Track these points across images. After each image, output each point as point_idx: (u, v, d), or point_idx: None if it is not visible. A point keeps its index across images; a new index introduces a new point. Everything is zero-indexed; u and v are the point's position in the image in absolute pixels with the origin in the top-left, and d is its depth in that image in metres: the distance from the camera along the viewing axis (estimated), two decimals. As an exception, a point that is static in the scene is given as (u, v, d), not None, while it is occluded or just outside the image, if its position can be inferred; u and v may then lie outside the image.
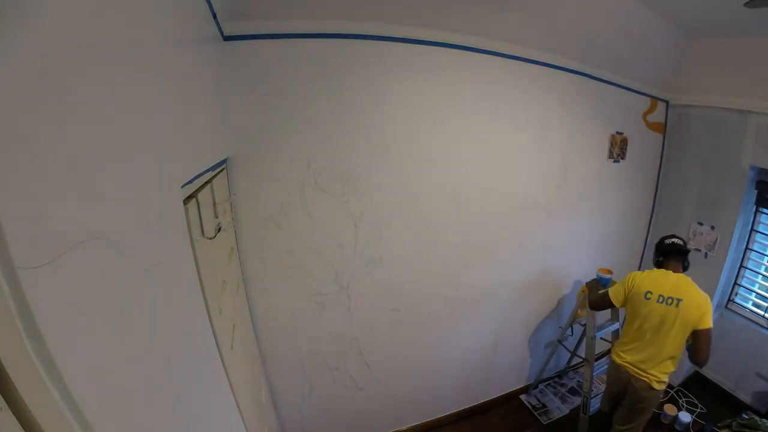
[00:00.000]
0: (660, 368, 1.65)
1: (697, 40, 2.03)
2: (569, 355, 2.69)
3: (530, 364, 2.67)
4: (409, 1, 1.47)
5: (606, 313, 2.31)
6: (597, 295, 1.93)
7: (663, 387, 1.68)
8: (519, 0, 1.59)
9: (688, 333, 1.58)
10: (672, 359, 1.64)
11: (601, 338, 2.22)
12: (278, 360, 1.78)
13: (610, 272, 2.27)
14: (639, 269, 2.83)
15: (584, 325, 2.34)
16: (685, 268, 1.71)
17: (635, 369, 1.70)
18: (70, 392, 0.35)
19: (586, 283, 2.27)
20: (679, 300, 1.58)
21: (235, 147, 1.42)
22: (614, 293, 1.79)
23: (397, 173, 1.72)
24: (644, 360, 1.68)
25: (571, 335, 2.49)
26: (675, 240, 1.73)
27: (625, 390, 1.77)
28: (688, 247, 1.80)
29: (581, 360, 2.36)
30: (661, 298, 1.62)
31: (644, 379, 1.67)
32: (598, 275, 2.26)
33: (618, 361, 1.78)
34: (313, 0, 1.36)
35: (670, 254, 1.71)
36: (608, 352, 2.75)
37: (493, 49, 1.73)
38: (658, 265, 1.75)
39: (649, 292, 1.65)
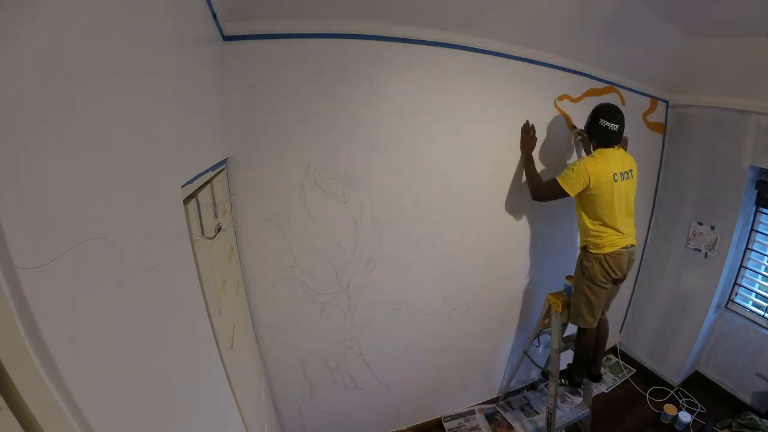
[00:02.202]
0: (632, 236, 1.82)
1: (697, 40, 2.03)
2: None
3: (530, 365, 2.66)
4: (409, 1, 1.47)
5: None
6: (539, 182, 1.80)
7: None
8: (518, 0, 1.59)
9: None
10: (632, 222, 1.83)
11: (573, 350, 2.11)
12: (278, 360, 1.78)
13: None
14: (638, 273, 2.84)
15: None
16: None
17: (628, 245, 1.79)
18: (70, 392, 0.35)
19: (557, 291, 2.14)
20: (630, 171, 1.75)
21: (235, 147, 1.42)
22: (569, 183, 1.69)
23: (397, 173, 1.72)
24: (627, 232, 1.79)
25: (538, 347, 2.39)
26: (612, 126, 1.67)
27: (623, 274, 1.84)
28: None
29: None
30: (624, 176, 1.71)
31: (632, 246, 1.81)
32: (565, 285, 2.13)
33: (617, 247, 1.76)
34: (313, 0, 1.36)
35: (614, 143, 1.72)
36: None
37: (492, 48, 1.73)
38: (604, 144, 1.71)
39: (615, 174, 1.68)
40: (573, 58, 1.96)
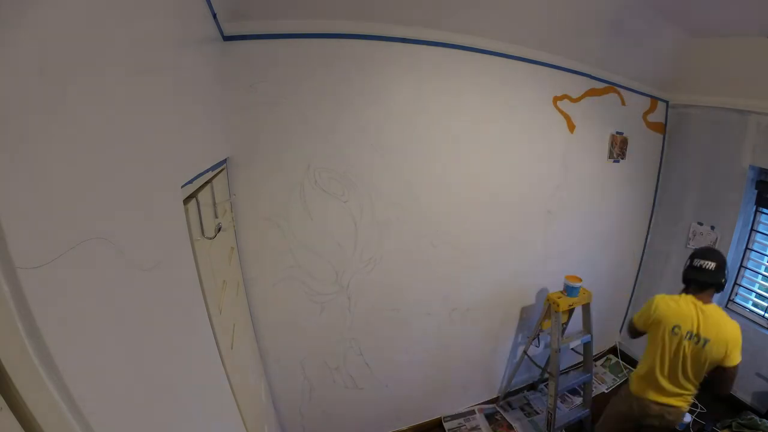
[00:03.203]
0: (679, 399, 1.57)
1: (697, 40, 2.03)
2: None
3: (530, 365, 2.67)
4: (409, 2, 1.47)
5: (577, 323, 2.27)
6: (629, 323, 1.73)
7: (687, 407, 1.62)
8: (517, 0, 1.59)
9: (710, 368, 1.47)
10: (690, 389, 1.55)
11: (572, 349, 2.14)
12: (278, 360, 1.78)
13: (578, 279, 2.14)
14: (637, 273, 2.84)
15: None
16: (719, 289, 1.51)
17: (655, 402, 1.59)
18: (70, 392, 0.35)
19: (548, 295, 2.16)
20: (706, 340, 1.43)
21: (235, 147, 1.42)
22: (638, 319, 1.64)
23: (396, 173, 1.72)
24: (669, 392, 1.56)
25: (538, 347, 2.41)
26: (705, 264, 1.47)
27: (639, 427, 1.65)
28: (725, 273, 1.51)
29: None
30: (689, 335, 1.47)
31: (666, 407, 1.57)
32: (565, 283, 2.15)
33: (634, 391, 1.64)
34: (313, 0, 1.36)
35: (702, 285, 1.49)
36: (578, 365, 2.71)
37: (493, 49, 1.73)
38: (686, 288, 1.55)
39: (677, 326, 1.49)
40: (573, 58, 1.96)
